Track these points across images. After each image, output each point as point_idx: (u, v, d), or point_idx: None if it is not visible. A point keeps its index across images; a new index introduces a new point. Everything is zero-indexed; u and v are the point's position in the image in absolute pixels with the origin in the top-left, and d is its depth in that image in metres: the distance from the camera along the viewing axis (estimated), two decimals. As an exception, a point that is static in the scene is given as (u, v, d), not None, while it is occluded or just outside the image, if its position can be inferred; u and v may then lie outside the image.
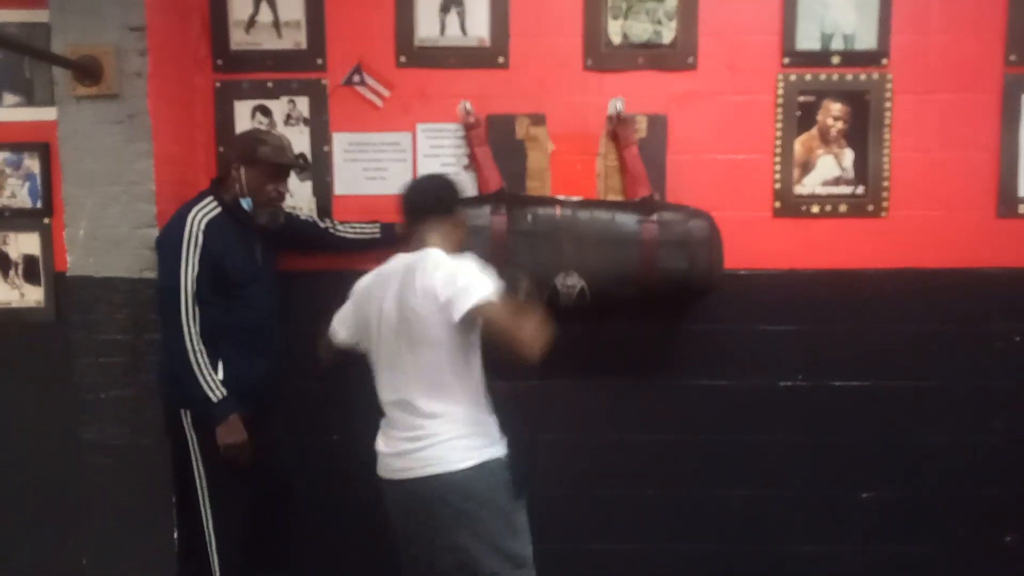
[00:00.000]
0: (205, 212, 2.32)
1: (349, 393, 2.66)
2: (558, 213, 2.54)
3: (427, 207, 2.09)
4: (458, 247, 2.08)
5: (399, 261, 2.08)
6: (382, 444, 2.07)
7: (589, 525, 2.79)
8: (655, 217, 2.52)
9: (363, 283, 2.15)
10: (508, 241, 2.42)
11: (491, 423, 2.06)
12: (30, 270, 2.81)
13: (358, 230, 2.67)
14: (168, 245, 2.27)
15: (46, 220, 2.79)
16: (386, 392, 2.06)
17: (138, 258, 2.44)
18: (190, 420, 2.32)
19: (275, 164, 2.39)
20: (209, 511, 2.34)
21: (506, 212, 2.53)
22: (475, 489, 1.94)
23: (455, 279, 1.91)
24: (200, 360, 2.23)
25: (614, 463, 2.78)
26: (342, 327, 2.19)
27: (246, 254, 2.41)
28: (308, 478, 2.71)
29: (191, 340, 2.23)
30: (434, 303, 1.91)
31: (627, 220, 2.53)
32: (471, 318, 1.89)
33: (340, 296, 2.18)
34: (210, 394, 2.24)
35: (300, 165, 2.57)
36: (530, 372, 2.45)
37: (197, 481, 2.34)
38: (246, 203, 2.38)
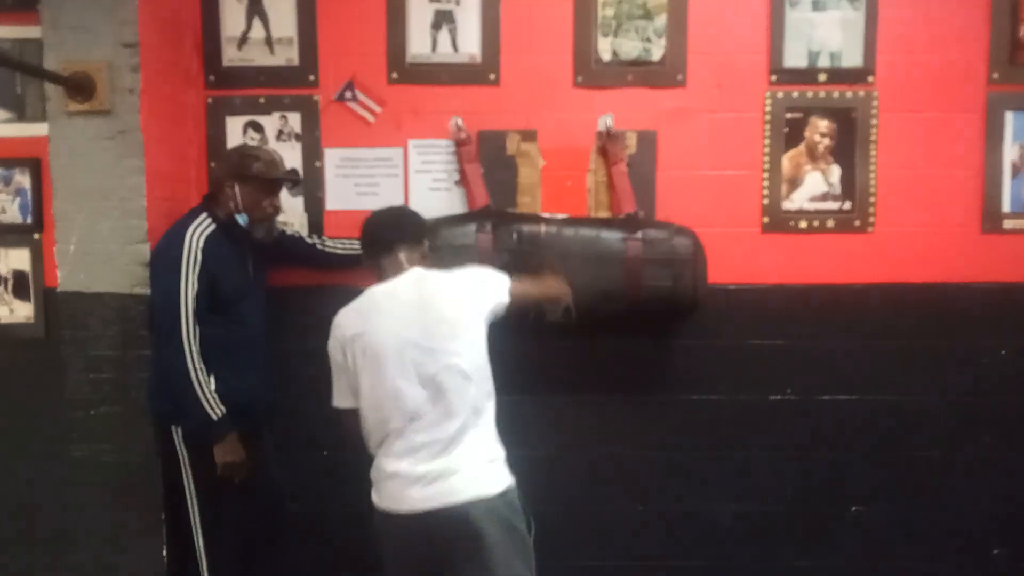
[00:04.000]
0: (202, 229, 2.32)
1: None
2: (543, 231, 2.56)
3: (401, 236, 2.12)
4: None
5: (384, 290, 2.05)
6: (402, 476, 1.95)
7: (579, 541, 2.79)
8: (640, 235, 2.54)
9: (345, 331, 2.03)
10: (493, 259, 2.41)
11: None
12: (20, 286, 2.79)
13: (347, 246, 2.67)
14: (167, 262, 2.27)
15: (36, 236, 2.78)
16: (405, 422, 1.96)
17: (129, 274, 2.43)
18: (181, 437, 2.31)
19: (269, 180, 2.40)
20: (200, 528, 2.33)
21: (491, 230, 2.54)
22: (507, 515, 1.95)
23: (478, 276, 2.11)
24: (200, 378, 2.23)
25: (604, 479, 2.79)
26: (348, 398, 2.07)
27: (240, 270, 2.41)
28: (299, 495, 2.70)
29: (191, 358, 2.22)
30: (470, 298, 2.03)
31: (612, 238, 2.55)
32: (509, 301, 2.09)
33: (331, 311, 2.16)
34: (210, 412, 2.23)
35: (293, 179, 2.58)
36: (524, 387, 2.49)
37: (188, 498, 2.33)
38: (242, 219, 2.38)
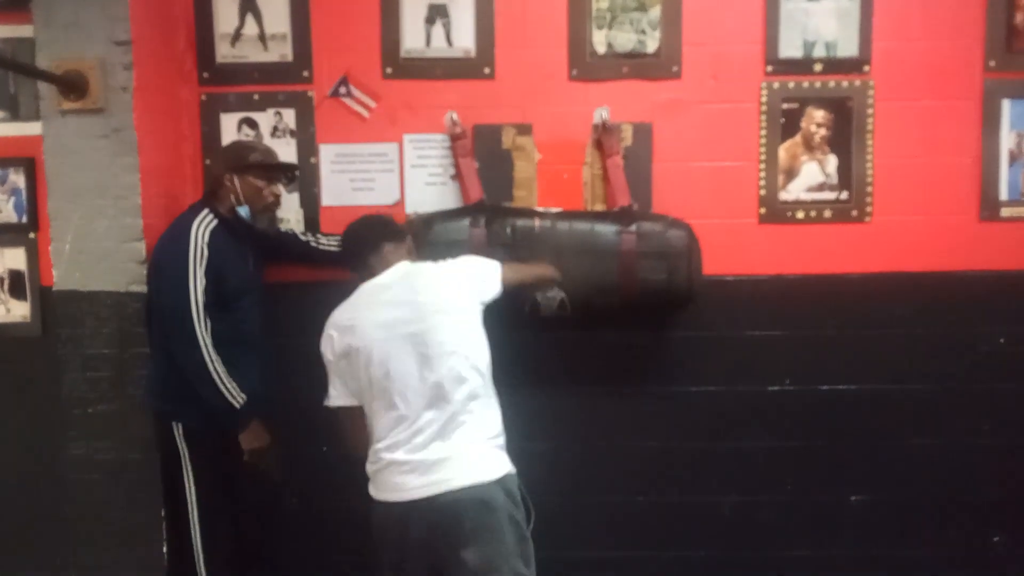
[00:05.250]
0: (206, 224, 2.33)
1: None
2: (537, 225, 2.55)
3: (385, 234, 2.19)
4: None
5: (375, 283, 2.10)
6: (400, 464, 1.97)
7: (579, 533, 2.79)
8: (634, 228, 2.53)
9: (337, 328, 2.06)
10: (487, 254, 2.39)
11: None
12: (16, 285, 2.79)
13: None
14: (173, 258, 2.26)
15: (32, 235, 2.78)
16: (402, 411, 1.97)
17: (124, 272, 2.43)
18: (181, 432, 2.32)
19: (268, 167, 2.41)
20: (197, 523, 2.33)
21: (485, 225, 2.53)
22: (504, 502, 1.95)
23: (469, 264, 2.19)
24: (218, 369, 2.24)
25: (603, 471, 2.79)
26: (343, 396, 2.08)
27: (242, 266, 2.41)
28: (297, 489, 2.70)
29: (207, 350, 2.22)
30: (462, 287, 2.08)
31: (606, 231, 2.54)
32: (501, 287, 2.15)
33: (326, 306, 2.16)
34: (233, 401, 2.24)
35: (292, 165, 2.58)
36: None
37: (187, 493, 2.33)
38: (244, 211, 2.39)
